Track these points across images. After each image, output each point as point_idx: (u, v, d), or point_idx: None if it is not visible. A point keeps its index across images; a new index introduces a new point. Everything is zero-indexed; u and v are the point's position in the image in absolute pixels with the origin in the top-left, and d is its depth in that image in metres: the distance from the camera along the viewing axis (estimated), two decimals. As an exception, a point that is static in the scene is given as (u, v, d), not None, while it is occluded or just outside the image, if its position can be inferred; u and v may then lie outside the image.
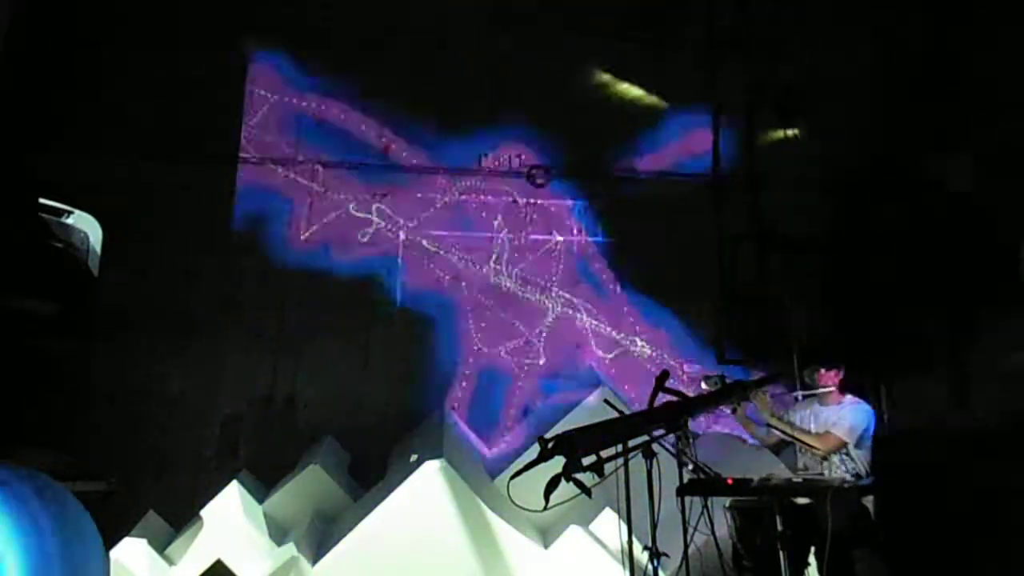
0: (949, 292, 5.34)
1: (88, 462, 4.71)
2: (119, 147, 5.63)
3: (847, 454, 4.03)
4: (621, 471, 3.19)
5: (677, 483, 3.28)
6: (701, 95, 6.48)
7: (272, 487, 5.02)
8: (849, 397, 4.35)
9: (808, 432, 4.22)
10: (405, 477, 4.26)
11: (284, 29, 6.14)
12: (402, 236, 6.00)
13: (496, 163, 6.22)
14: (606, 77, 6.48)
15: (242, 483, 4.62)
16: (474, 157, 6.20)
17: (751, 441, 4.64)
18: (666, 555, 3.13)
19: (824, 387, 4.37)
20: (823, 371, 4.38)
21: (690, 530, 3.19)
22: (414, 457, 4.57)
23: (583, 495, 2.97)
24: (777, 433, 4.30)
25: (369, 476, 5.36)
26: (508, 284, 6.01)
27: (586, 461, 2.92)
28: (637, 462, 3.15)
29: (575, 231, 6.16)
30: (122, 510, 4.65)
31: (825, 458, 4.14)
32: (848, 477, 3.81)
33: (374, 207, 6.01)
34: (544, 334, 5.95)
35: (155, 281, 5.55)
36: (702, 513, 3.27)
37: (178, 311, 5.57)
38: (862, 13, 6.35)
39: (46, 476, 3.25)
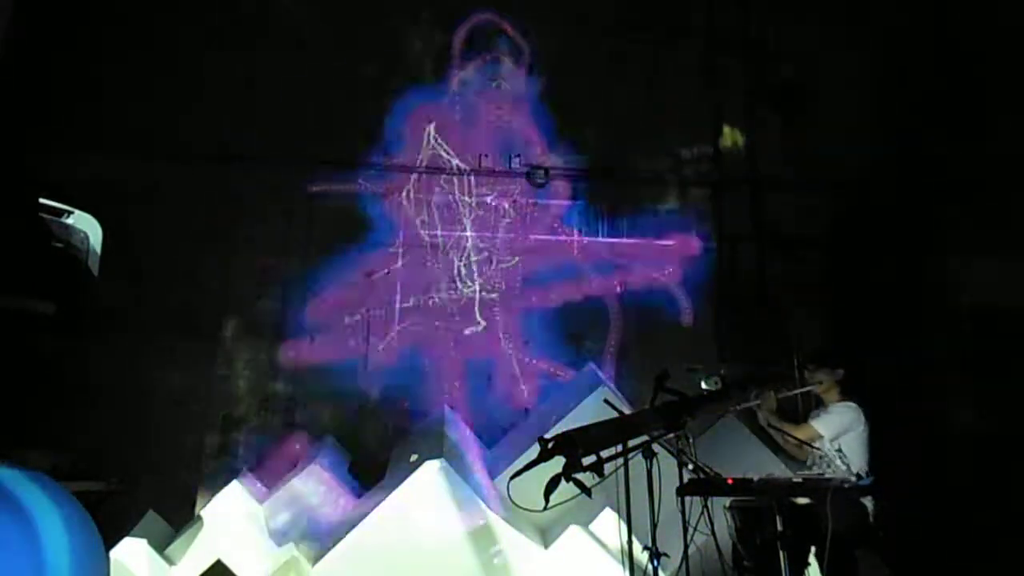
0: (949, 292, 5.34)
1: (88, 462, 4.72)
2: (119, 147, 5.63)
3: (840, 451, 4.09)
4: (621, 471, 3.19)
5: (677, 483, 3.28)
6: (701, 95, 6.51)
7: (272, 487, 5.02)
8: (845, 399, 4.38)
9: (795, 425, 4.33)
10: (405, 477, 4.26)
11: (284, 27, 6.15)
12: (402, 236, 5.99)
13: (496, 163, 6.22)
14: (607, 76, 6.48)
15: (242, 483, 4.62)
16: (474, 157, 6.20)
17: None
18: (666, 555, 3.13)
19: (820, 386, 4.42)
20: (821, 371, 4.41)
21: (690, 530, 3.19)
22: (414, 457, 4.57)
23: (583, 495, 2.97)
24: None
25: (369, 476, 5.36)
26: (508, 284, 6.00)
27: (586, 461, 2.92)
28: (637, 462, 3.14)
29: (575, 231, 6.16)
30: (122, 510, 4.65)
31: (824, 454, 4.18)
32: (850, 477, 3.82)
33: (373, 207, 6.00)
34: (544, 333, 5.94)
35: (155, 281, 5.55)
36: (702, 513, 3.27)
37: (178, 311, 5.56)
38: (863, 12, 6.36)
39: (46, 476, 3.25)
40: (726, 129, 6.35)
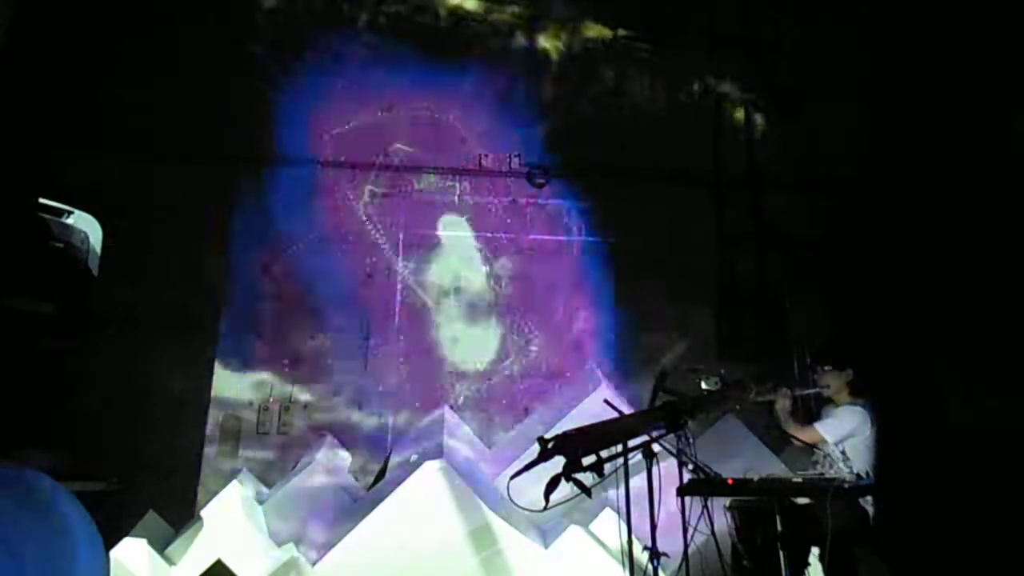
0: (949, 292, 5.34)
1: (88, 462, 4.71)
2: (119, 147, 5.63)
3: (844, 453, 4.08)
4: (621, 471, 3.20)
5: (677, 483, 3.29)
6: (701, 95, 6.51)
7: (272, 487, 5.02)
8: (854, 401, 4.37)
9: (800, 427, 4.32)
10: (405, 477, 4.26)
11: (283, 28, 6.15)
12: (402, 236, 5.99)
13: (496, 163, 6.21)
14: (606, 75, 6.48)
15: (242, 483, 4.62)
16: (474, 157, 6.19)
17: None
18: (666, 555, 3.14)
19: (827, 388, 4.41)
20: (829, 372, 4.41)
21: (690, 530, 3.19)
22: (414, 457, 4.58)
23: (583, 495, 2.97)
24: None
25: (369, 476, 5.37)
26: (508, 284, 6.00)
27: (586, 461, 2.93)
28: (637, 462, 3.15)
29: (575, 231, 6.16)
30: (122, 510, 4.64)
31: (827, 455, 4.19)
32: (850, 477, 3.83)
33: (374, 207, 6.00)
34: (544, 334, 5.94)
35: (155, 281, 5.54)
36: (702, 513, 3.27)
37: (178, 311, 5.56)
38: (862, 12, 6.36)
39: (46, 476, 3.25)
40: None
